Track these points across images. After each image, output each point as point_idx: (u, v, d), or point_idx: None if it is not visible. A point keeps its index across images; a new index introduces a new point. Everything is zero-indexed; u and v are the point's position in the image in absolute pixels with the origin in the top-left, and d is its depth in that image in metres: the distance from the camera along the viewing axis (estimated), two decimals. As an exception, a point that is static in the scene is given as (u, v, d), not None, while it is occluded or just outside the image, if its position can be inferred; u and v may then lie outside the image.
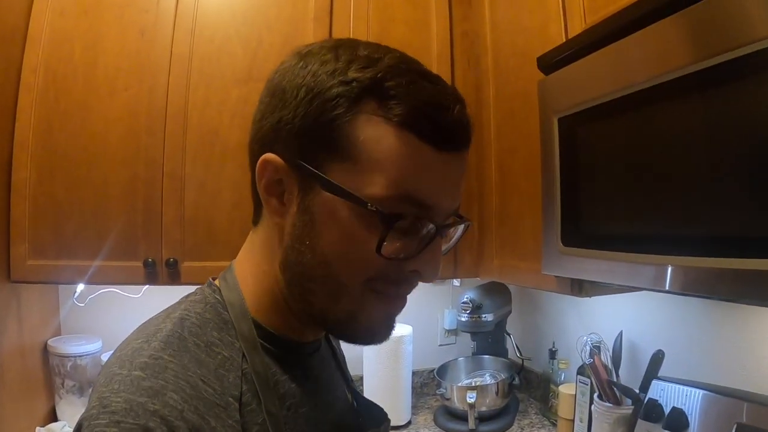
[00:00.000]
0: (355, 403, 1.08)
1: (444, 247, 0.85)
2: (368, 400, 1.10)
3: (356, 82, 0.74)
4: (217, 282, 0.90)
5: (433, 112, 0.75)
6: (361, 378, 2.62)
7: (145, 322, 0.84)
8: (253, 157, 0.82)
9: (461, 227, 0.87)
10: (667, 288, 1.17)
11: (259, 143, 0.81)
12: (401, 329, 2.63)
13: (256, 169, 0.80)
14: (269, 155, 0.78)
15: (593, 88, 1.38)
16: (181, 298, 0.89)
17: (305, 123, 0.75)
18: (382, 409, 1.09)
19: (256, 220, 0.90)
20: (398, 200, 0.74)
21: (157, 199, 2.12)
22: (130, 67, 2.14)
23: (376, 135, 0.74)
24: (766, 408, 1.45)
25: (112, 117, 2.12)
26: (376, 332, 0.85)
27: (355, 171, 0.74)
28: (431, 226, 0.78)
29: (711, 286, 1.07)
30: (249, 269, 0.89)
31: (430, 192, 0.76)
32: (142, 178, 2.12)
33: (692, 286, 1.12)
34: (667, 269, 1.16)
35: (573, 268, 1.51)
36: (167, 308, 0.86)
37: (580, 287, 1.66)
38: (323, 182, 0.75)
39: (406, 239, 0.77)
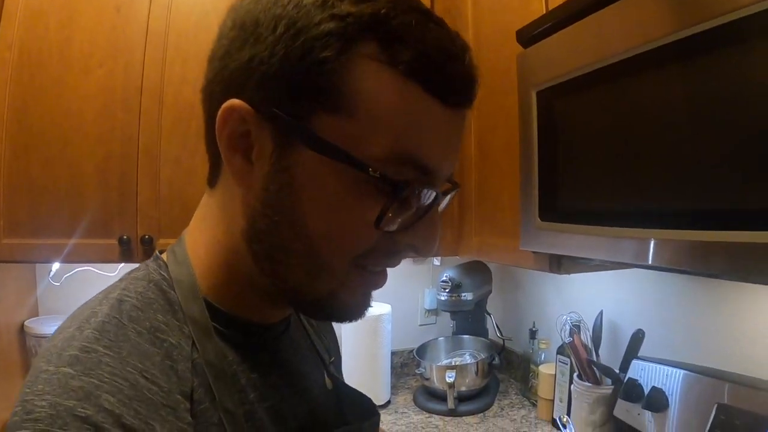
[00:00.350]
0: (336, 391, 0.94)
1: None
2: (354, 389, 0.97)
3: (352, 18, 0.60)
4: (164, 255, 0.77)
5: (444, 60, 0.63)
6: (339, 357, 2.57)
7: (82, 304, 0.72)
8: (212, 102, 0.67)
9: (451, 194, 0.75)
10: (649, 262, 1.12)
11: (222, 86, 0.66)
12: (379, 308, 2.60)
13: (217, 117, 0.64)
14: (235, 101, 0.63)
15: (572, 60, 1.33)
16: (124, 275, 0.75)
17: (286, 64, 0.61)
18: (370, 401, 0.96)
19: (212, 180, 0.75)
20: (398, 163, 0.62)
21: (132, 177, 2.07)
22: (105, 43, 2.07)
23: (378, 84, 0.61)
24: (747, 389, 1.43)
25: (87, 94, 2.05)
26: (354, 310, 0.74)
27: (350, 126, 0.61)
28: (432, 193, 0.67)
29: (694, 259, 1.03)
30: (202, 239, 0.75)
31: (433, 154, 0.65)
32: (117, 156, 2.06)
33: (675, 260, 1.07)
34: (649, 243, 1.12)
35: (550, 243, 1.47)
36: (107, 287, 0.73)
37: (558, 264, 1.62)
38: (309, 138, 0.62)
39: (404, 209, 0.66)
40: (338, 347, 1.15)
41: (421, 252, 0.71)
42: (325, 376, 0.95)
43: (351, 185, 0.63)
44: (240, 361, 0.73)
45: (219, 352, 0.70)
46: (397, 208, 0.65)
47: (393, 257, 0.72)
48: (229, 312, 0.74)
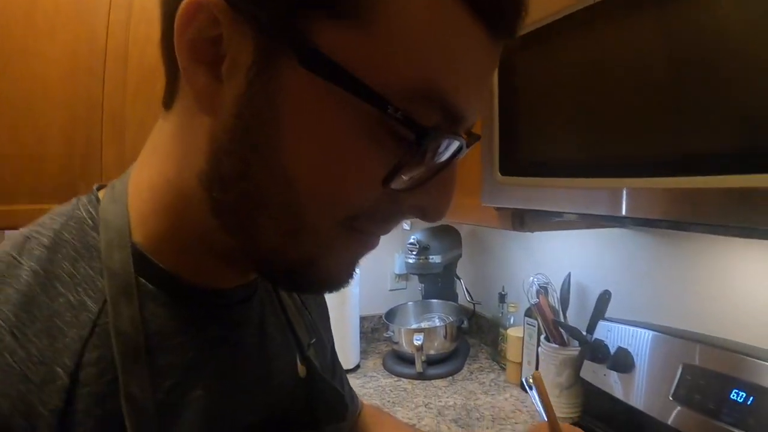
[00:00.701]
0: (309, 380, 0.74)
1: None
2: (330, 382, 0.77)
3: None
4: (102, 192, 0.60)
5: None
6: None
7: None
8: None
9: (471, 147, 0.56)
10: (623, 213, 1.03)
11: None
12: (345, 270, 2.52)
13: (177, 15, 0.45)
14: None
15: (537, 9, 1.23)
16: (51, 210, 0.60)
17: None
18: (344, 401, 0.79)
19: (168, 100, 0.56)
20: (422, 101, 0.45)
21: (96, 140, 1.97)
22: (70, 5, 1.96)
23: None
24: (713, 349, 1.38)
25: (52, 58, 1.94)
26: (336, 280, 0.56)
27: (363, 43, 0.43)
28: (455, 144, 0.50)
29: (670, 207, 0.94)
30: (147, 174, 0.57)
31: (468, 94, 0.48)
32: (81, 119, 1.96)
33: (650, 209, 0.98)
34: (621, 193, 1.03)
35: (512, 197, 1.39)
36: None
37: (521, 221, 1.54)
38: (305, 52, 0.43)
39: (421, 163, 0.49)
40: (328, 323, 0.96)
41: (429, 216, 0.54)
42: (298, 361, 0.75)
43: (356, 124, 0.45)
44: (174, 333, 0.55)
45: (136, 320, 0.52)
46: (416, 161, 0.48)
47: (392, 220, 0.55)
48: (169, 269, 0.56)
